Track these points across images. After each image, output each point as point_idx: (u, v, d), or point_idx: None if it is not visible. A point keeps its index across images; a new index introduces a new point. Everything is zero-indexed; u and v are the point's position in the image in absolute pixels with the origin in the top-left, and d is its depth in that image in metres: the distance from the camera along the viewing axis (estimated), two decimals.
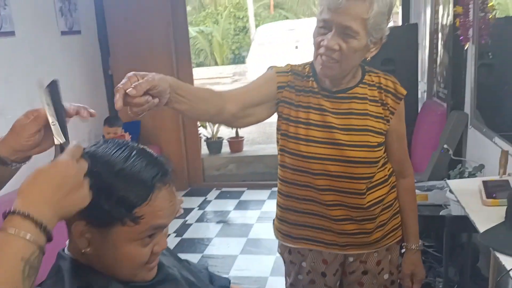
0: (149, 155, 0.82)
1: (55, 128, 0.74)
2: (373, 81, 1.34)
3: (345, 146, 1.30)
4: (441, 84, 2.95)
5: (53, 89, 0.78)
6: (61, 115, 0.77)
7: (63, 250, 0.84)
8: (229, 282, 1.17)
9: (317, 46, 1.25)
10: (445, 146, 2.33)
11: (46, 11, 3.45)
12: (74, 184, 0.68)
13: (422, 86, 3.47)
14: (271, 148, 5.07)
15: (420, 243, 1.45)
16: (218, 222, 3.76)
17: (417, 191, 1.63)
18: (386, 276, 1.44)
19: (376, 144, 1.31)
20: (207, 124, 5.40)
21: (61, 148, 0.72)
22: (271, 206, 3.87)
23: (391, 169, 1.41)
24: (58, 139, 0.74)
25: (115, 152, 0.80)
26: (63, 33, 3.63)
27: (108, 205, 0.75)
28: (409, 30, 3.17)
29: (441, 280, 1.89)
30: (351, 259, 1.42)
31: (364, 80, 1.34)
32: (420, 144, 2.84)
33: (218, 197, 4.37)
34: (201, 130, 5.10)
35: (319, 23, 1.24)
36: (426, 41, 3.33)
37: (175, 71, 4.30)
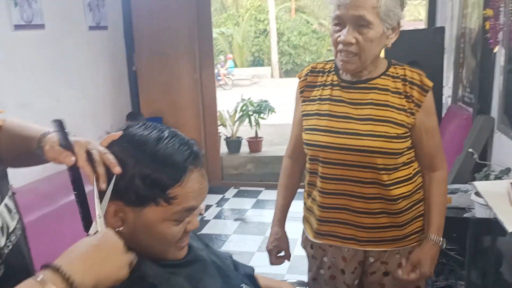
0: (181, 138, 0.84)
1: (100, 220, 0.75)
2: (397, 74, 1.34)
3: (362, 136, 1.32)
4: (466, 88, 2.92)
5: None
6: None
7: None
8: (253, 270, 1.18)
9: (335, 43, 1.31)
10: (470, 150, 2.30)
11: (75, 6, 3.53)
12: (113, 249, 0.69)
13: (446, 91, 3.43)
14: None
15: (441, 240, 1.37)
16: (235, 220, 3.77)
17: None
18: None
19: (395, 135, 1.31)
20: (227, 123, 5.43)
21: None
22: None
23: (417, 169, 1.39)
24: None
25: (149, 134, 0.81)
26: (90, 28, 3.70)
27: (143, 185, 0.77)
28: (436, 33, 3.14)
29: (463, 283, 1.86)
30: (371, 259, 1.41)
31: (387, 72, 1.34)
32: (443, 148, 2.80)
33: (235, 195, 4.39)
34: (221, 129, 5.14)
35: (333, 22, 1.30)
36: (452, 45, 3.30)
37: (197, 71, 4.35)
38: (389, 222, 1.37)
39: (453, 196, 1.98)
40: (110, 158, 0.77)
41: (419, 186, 1.40)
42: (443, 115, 3.20)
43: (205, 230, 3.55)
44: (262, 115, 5.37)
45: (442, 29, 3.14)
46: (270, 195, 4.34)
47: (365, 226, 1.38)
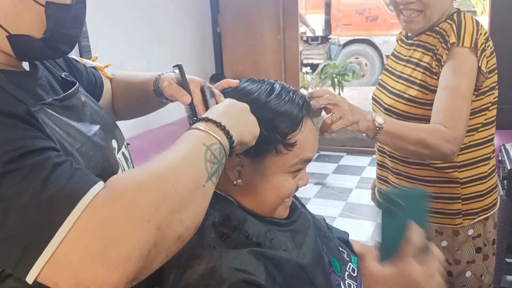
0: (291, 88, 0.85)
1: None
2: (442, 29, 1.17)
3: (391, 94, 1.25)
4: None
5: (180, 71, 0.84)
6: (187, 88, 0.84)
7: None
8: (348, 235, 1.16)
9: (394, 3, 1.20)
10: None
11: None
12: (249, 116, 0.73)
13: None
14: None
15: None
16: (316, 184, 3.75)
17: None
18: None
19: (415, 99, 1.17)
20: (309, 86, 5.34)
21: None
22: (371, 173, 3.75)
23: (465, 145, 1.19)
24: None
25: (262, 85, 0.83)
26: None
27: (265, 131, 0.77)
28: None
29: None
30: None
31: (436, 28, 1.18)
32: None
33: (316, 159, 4.35)
34: (302, 91, 5.07)
35: None
36: None
37: (281, 33, 4.26)
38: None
39: None
40: (223, 98, 0.79)
41: (458, 164, 1.20)
42: None
43: None
44: (346, 77, 5.20)
45: None
46: (352, 161, 4.24)
47: (390, 182, 1.35)
